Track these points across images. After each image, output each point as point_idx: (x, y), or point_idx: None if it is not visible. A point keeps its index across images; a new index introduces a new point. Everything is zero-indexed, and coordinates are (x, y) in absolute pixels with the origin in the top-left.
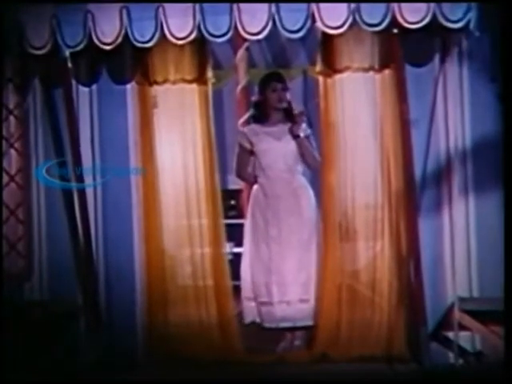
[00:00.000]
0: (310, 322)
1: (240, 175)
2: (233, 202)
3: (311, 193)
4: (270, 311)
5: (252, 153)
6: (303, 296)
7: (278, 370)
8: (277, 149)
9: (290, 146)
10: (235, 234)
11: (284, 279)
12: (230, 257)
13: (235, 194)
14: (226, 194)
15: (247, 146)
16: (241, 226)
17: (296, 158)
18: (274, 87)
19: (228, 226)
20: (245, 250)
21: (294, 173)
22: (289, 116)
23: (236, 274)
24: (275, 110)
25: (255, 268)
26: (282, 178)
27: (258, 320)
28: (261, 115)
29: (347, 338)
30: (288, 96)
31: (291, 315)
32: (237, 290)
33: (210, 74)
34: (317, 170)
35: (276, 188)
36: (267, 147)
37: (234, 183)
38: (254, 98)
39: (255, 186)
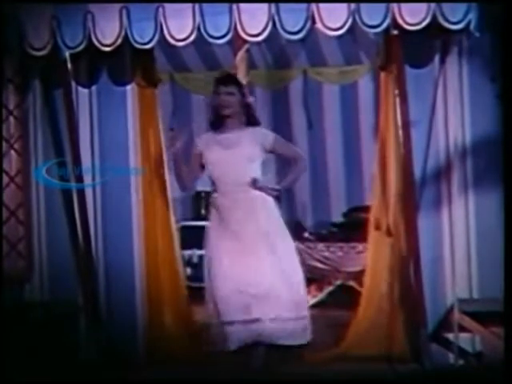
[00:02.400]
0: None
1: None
2: None
3: (270, 204)
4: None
5: (202, 164)
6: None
7: (279, 370)
8: (225, 159)
9: (241, 154)
10: None
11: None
12: None
13: None
14: None
15: (197, 157)
16: None
17: (249, 168)
18: (217, 90)
19: None
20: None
21: (246, 185)
22: (252, 122)
23: None
24: (224, 116)
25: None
26: (232, 191)
27: None
28: (215, 121)
29: (348, 339)
30: (235, 100)
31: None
32: None
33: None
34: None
35: (226, 202)
36: (215, 158)
37: None
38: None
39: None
